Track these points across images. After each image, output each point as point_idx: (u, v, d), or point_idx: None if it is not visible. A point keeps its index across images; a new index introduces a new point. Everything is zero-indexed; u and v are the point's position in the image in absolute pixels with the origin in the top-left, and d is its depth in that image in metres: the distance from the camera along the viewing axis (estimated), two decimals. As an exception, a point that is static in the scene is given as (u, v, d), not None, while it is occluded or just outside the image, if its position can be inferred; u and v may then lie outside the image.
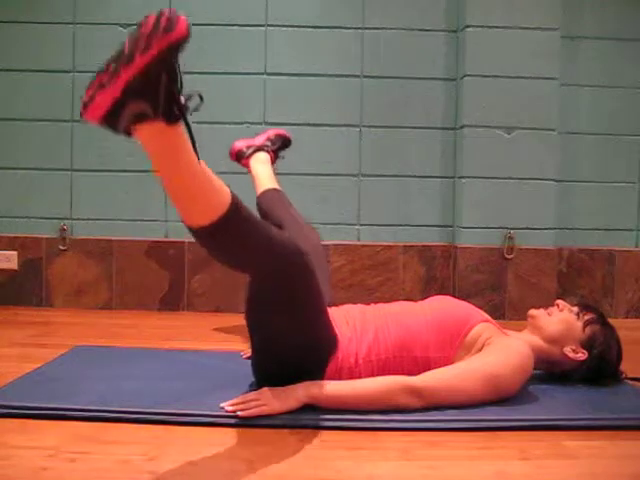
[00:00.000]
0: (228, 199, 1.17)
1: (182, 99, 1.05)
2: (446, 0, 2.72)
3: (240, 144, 2.32)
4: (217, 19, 2.69)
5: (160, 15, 0.99)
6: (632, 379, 1.64)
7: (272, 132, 2.35)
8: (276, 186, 2.16)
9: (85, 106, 1.02)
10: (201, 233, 1.17)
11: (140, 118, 1.02)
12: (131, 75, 0.99)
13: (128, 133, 1.05)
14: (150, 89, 1.01)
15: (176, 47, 0.99)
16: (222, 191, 1.17)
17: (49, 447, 1.14)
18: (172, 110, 1.03)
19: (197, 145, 1.09)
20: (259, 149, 2.27)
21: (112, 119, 1.02)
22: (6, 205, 2.73)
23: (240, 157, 2.29)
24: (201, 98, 1.07)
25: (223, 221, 1.16)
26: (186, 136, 1.08)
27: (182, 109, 1.04)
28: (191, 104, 1.06)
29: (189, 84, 1.05)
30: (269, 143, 2.30)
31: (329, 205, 2.75)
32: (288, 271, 1.30)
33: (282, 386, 1.33)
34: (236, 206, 1.18)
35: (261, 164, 2.23)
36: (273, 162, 2.29)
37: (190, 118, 1.06)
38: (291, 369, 1.36)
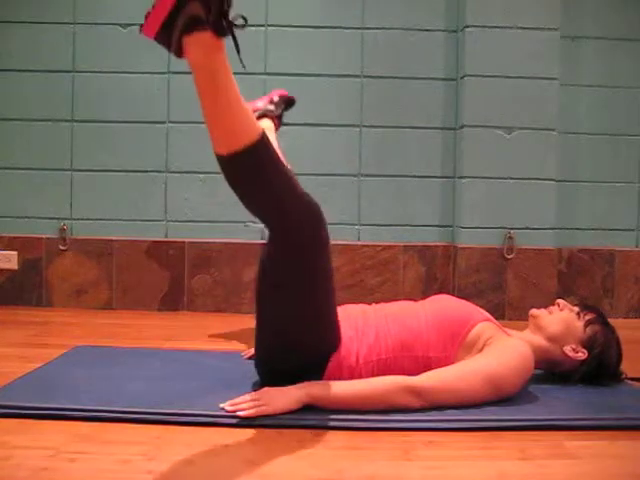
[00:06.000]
0: (260, 130, 1.23)
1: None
2: (446, 0, 2.72)
3: None
4: (217, 19, 2.69)
5: None
6: (632, 379, 1.65)
7: (275, 94, 2.16)
8: (284, 161, 1.99)
9: (146, 17, 1.10)
10: (231, 159, 1.22)
11: (192, 24, 1.09)
12: None
13: (179, 50, 1.13)
14: None
15: None
16: (255, 122, 1.24)
17: (49, 447, 1.14)
18: (221, 23, 1.12)
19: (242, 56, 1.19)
20: (262, 115, 2.07)
21: (168, 29, 1.10)
22: (6, 205, 2.72)
23: None
24: (245, 20, 1.14)
25: (254, 148, 1.22)
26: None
27: (230, 24, 1.13)
28: (237, 23, 1.14)
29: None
30: (272, 107, 2.11)
31: (329, 205, 2.72)
32: (308, 228, 1.33)
33: (282, 383, 1.33)
34: (267, 140, 1.24)
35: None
36: (277, 128, 2.11)
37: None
38: (293, 362, 1.36)
